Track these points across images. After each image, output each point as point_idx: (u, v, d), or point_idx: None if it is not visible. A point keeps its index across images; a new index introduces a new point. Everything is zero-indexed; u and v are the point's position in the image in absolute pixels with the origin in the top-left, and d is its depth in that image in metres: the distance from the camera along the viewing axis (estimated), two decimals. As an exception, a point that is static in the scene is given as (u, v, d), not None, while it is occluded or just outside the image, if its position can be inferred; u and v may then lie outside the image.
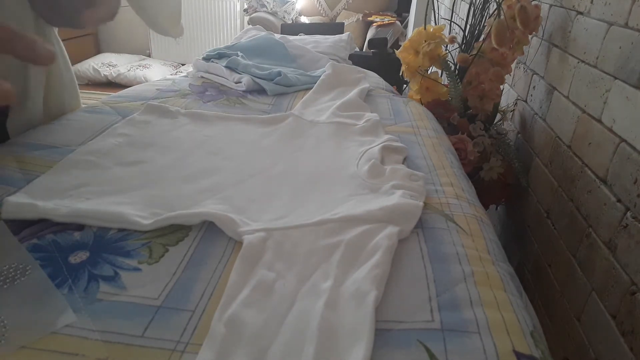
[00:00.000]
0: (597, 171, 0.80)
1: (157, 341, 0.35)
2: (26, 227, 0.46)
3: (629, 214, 0.70)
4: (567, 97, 0.94)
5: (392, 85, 1.13)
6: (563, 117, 0.95)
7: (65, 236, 0.46)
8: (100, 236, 0.46)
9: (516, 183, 1.16)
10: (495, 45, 1.06)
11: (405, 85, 1.56)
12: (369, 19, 3.31)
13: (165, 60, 3.60)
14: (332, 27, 2.71)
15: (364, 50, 2.76)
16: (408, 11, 3.05)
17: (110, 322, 0.36)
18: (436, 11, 1.44)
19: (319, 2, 3.56)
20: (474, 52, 1.17)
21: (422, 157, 0.68)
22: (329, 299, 0.38)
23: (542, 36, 1.10)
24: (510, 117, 1.30)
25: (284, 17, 3.39)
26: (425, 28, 1.19)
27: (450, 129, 1.16)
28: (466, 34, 1.28)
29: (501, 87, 1.18)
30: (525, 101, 1.18)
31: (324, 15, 3.59)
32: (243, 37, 1.29)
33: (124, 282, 0.41)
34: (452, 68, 1.22)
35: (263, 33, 1.29)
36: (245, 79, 0.93)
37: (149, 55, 3.68)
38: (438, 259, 0.46)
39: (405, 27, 3.09)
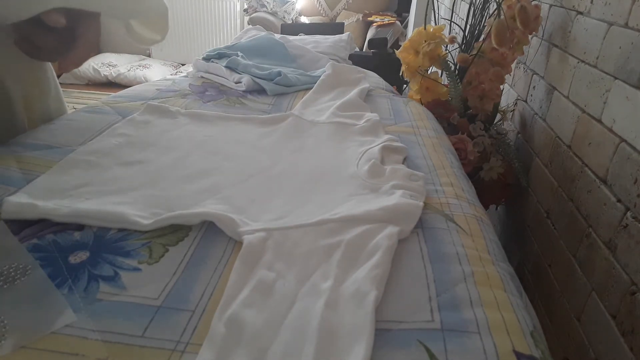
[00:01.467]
0: (597, 171, 0.80)
1: (157, 341, 0.35)
2: (26, 227, 0.46)
3: (629, 214, 0.70)
4: (567, 97, 0.94)
5: (392, 85, 1.13)
6: (563, 117, 0.95)
7: (65, 236, 0.46)
8: (100, 236, 0.46)
9: (516, 183, 1.16)
10: (495, 45, 1.06)
11: (405, 85, 1.56)
12: (369, 19, 3.31)
13: (165, 60, 3.60)
14: (332, 27, 2.71)
15: (364, 50, 2.76)
16: (408, 11, 3.05)
17: (110, 322, 0.36)
18: (436, 11, 1.44)
19: (319, 2, 3.56)
20: (474, 52, 1.17)
21: (422, 157, 0.68)
22: (329, 299, 0.38)
23: (542, 36, 1.10)
24: (510, 117, 1.30)
25: (284, 17, 3.39)
26: (425, 28, 1.19)
27: (450, 129, 1.16)
28: (466, 34, 1.28)
29: (501, 87, 1.18)
30: (525, 101, 1.18)
31: (324, 15, 3.59)
32: (243, 37, 1.29)
33: (124, 282, 0.41)
34: (452, 68, 1.22)
35: (263, 33, 1.29)
36: (245, 79, 0.92)
37: (149, 55, 3.68)
38: (438, 259, 0.46)
39: (405, 27, 3.09)
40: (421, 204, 0.53)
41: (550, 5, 1.07)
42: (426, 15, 1.52)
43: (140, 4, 0.60)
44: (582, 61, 0.89)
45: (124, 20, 0.60)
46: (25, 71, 0.66)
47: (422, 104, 1.08)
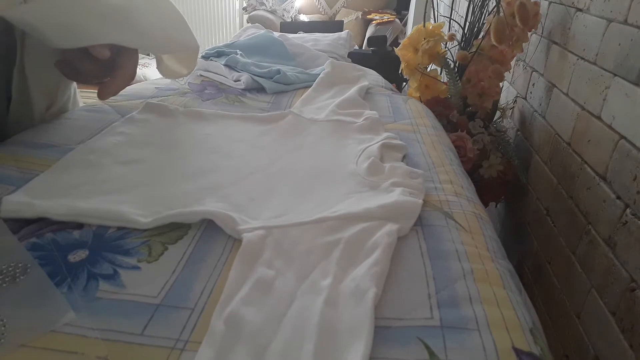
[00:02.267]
0: (596, 168, 0.80)
1: (157, 339, 0.35)
2: (25, 225, 0.46)
3: (628, 210, 0.70)
4: (567, 94, 0.94)
5: (391, 83, 1.13)
6: (562, 114, 0.95)
7: (64, 235, 0.46)
8: (100, 235, 0.46)
9: (516, 180, 1.16)
10: (494, 43, 1.06)
11: (404, 83, 1.57)
12: (368, 16, 3.30)
13: (164, 59, 3.59)
14: (332, 25, 2.71)
15: (363, 48, 2.76)
16: (407, 9, 3.05)
17: (110, 320, 0.36)
18: (435, 9, 1.44)
19: (318, 0, 3.56)
20: (473, 49, 1.17)
21: (422, 155, 0.68)
22: (328, 297, 0.38)
23: (542, 33, 1.10)
24: (509, 114, 1.30)
25: (283, 15, 3.39)
26: (424, 26, 1.19)
27: (449, 126, 1.16)
28: (465, 32, 1.28)
29: (500, 84, 1.18)
30: (525, 98, 1.18)
31: (323, 13, 3.59)
32: (242, 35, 1.29)
33: (123, 280, 0.41)
34: (452, 66, 1.22)
35: (262, 31, 1.29)
36: (244, 77, 0.92)
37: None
38: (437, 256, 0.46)
39: (405, 24, 3.09)
40: (420, 201, 0.53)
41: (550, 2, 1.06)
42: (425, 12, 1.52)
43: (178, 42, 0.62)
44: (582, 58, 0.89)
45: (159, 54, 0.63)
46: (52, 86, 0.68)
47: (421, 102, 1.08)
